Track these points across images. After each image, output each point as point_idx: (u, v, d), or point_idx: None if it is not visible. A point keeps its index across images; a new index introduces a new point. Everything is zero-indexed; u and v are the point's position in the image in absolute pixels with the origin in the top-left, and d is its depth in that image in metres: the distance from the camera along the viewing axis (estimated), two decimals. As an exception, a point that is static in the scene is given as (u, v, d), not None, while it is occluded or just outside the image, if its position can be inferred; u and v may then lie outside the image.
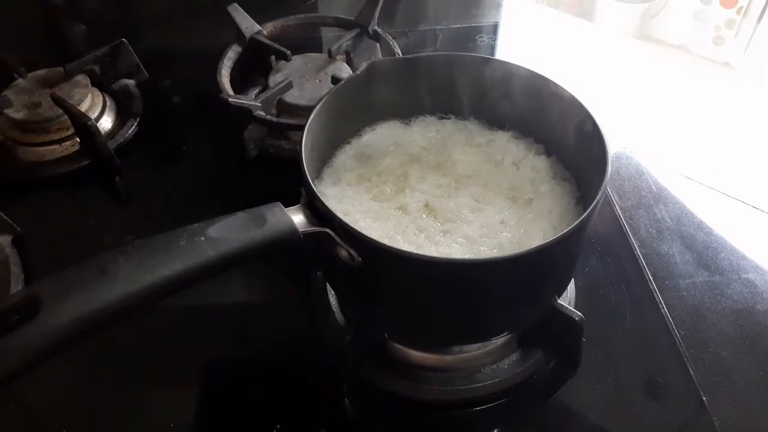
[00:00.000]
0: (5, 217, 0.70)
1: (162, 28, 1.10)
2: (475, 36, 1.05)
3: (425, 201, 0.58)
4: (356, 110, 0.63)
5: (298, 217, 0.48)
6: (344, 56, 0.92)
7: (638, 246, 0.71)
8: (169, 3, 1.14)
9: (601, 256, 0.70)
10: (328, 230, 0.48)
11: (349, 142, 0.65)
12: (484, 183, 0.61)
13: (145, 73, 0.91)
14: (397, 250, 0.46)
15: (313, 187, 0.49)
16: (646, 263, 0.69)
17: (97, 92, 0.88)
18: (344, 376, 0.59)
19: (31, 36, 1.06)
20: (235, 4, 0.93)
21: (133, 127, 0.86)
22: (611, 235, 0.73)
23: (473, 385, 0.58)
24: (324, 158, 0.63)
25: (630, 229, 0.73)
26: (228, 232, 0.44)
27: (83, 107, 0.83)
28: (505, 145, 0.64)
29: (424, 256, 0.47)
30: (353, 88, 0.61)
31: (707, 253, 0.71)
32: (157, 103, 0.91)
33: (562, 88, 0.58)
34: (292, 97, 0.83)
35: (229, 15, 0.92)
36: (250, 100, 0.79)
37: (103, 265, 0.40)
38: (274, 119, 0.79)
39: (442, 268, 0.46)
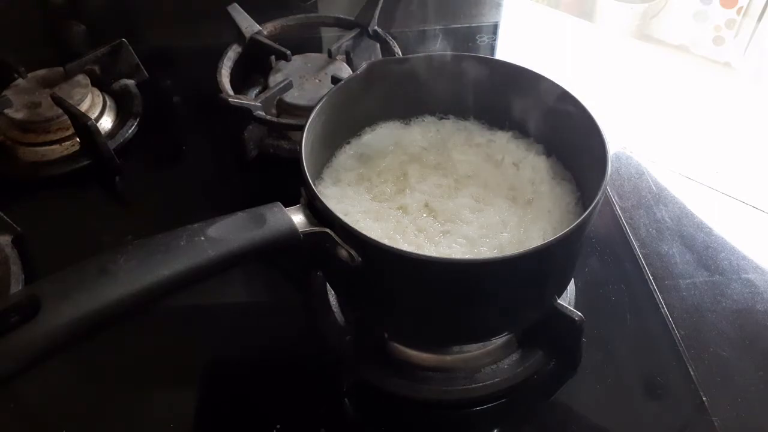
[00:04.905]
0: (5, 217, 0.70)
1: (162, 28, 1.10)
2: (475, 36, 1.05)
3: (425, 201, 0.58)
4: (356, 110, 0.63)
5: (298, 217, 0.48)
6: (344, 56, 0.92)
7: (638, 246, 0.71)
8: (169, 3, 1.14)
9: (601, 256, 0.70)
10: (328, 230, 0.48)
11: (349, 142, 0.65)
12: (484, 183, 0.61)
13: (145, 73, 0.91)
14: (397, 250, 0.46)
15: (313, 187, 0.49)
16: (646, 263, 0.69)
17: (97, 92, 0.88)
18: (344, 376, 0.59)
19: (31, 36, 1.06)
20: (235, 4, 0.93)
21: (133, 127, 0.86)
22: (611, 235, 0.73)
23: (473, 385, 0.58)
24: (324, 158, 0.63)
25: (630, 229, 0.73)
26: (228, 232, 0.44)
27: (83, 107, 0.83)
28: (505, 145, 0.64)
29: (424, 256, 0.47)
30: (353, 88, 0.61)
31: (707, 253, 0.71)
32: (157, 103, 0.91)
33: (562, 88, 0.58)
34: (292, 97, 0.83)
35: (229, 15, 0.92)
36: (250, 100, 0.79)
37: (103, 265, 0.40)
38: (274, 119, 0.79)
39: (442, 268, 0.46)
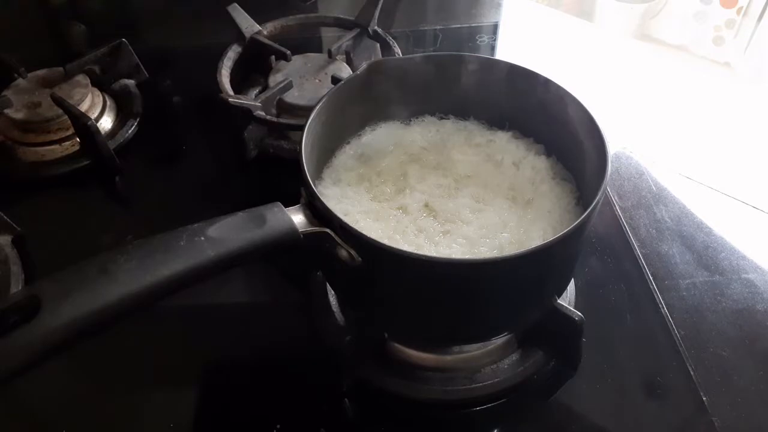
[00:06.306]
0: (5, 217, 0.70)
1: (162, 28, 1.10)
2: (475, 36, 1.05)
3: (425, 201, 0.58)
4: (356, 110, 0.63)
5: (298, 217, 0.48)
6: (344, 56, 0.92)
7: (638, 246, 0.71)
8: (169, 3, 1.14)
9: (601, 256, 0.70)
10: (328, 230, 0.48)
11: (349, 142, 0.65)
12: (484, 183, 0.61)
13: (145, 73, 0.91)
14: (397, 250, 0.46)
15: (313, 187, 0.49)
16: (646, 263, 0.69)
17: (97, 92, 0.88)
18: (344, 376, 0.59)
19: (31, 36, 1.06)
20: (235, 4, 0.93)
21: (133, 127, 0.86)
22: (611, 235, 0.73)
23: (473, 385, 0.58)
24: (324, 158, 0.63)
25: (630, 229, 0.73)
26: (228, 232, 0.44)
27: (83, 107, 0.83)
28: (505, 145, 0.64)
29: (424, 256, 0.47)
30: (353, 88, 0.61)
31: (707, 253, 0.71)
32: (157, 103, 0.91)
33: (562, 88, 0.58)
34: (292, 97, 0.83)
35: (229, 15, 0.92)
36: (250, 100, 0.79)
37: (103, 265, 0.40)
38: (274, 119, 0.79)
39: (442, 268, 0.46)
